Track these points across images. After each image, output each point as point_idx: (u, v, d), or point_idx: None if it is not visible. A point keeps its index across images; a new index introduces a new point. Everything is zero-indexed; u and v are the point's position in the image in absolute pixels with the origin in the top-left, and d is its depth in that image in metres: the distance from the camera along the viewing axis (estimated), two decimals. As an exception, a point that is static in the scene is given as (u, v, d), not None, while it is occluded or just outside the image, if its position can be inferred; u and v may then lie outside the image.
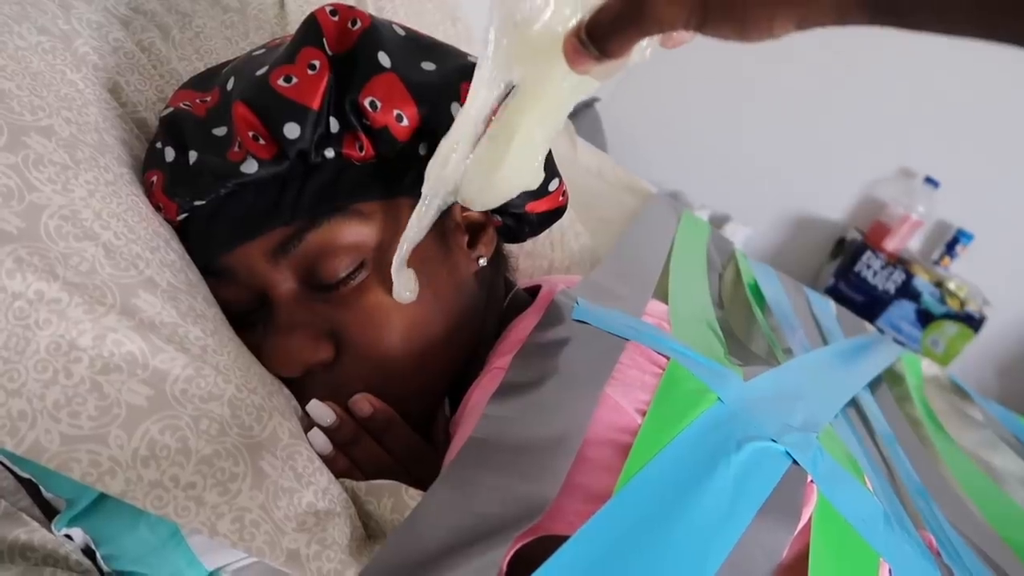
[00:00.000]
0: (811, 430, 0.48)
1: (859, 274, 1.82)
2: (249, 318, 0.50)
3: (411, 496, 0.42)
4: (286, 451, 0.41)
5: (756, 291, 0.97)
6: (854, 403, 0.74)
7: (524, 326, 0.52)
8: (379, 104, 0.47)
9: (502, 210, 0.57)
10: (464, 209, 0.54)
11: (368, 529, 0.43)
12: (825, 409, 0.56)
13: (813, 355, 0.73)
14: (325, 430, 0.46)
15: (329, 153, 0.48)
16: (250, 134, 0.46)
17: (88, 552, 0.41)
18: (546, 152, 0.44)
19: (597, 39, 0.33)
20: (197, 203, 0.49)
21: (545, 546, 0.34)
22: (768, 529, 0.39)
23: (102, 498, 0.40)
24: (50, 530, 0.40)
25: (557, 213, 0.59)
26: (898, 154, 1.85)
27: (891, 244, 1.82)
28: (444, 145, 0.42)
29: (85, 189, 0.42)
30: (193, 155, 0.48)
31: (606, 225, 1.06)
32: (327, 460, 0.45)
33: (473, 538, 0.32)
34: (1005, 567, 0.58)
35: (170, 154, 0.49)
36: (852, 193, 1.93)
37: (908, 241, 1.85)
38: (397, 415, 0.49)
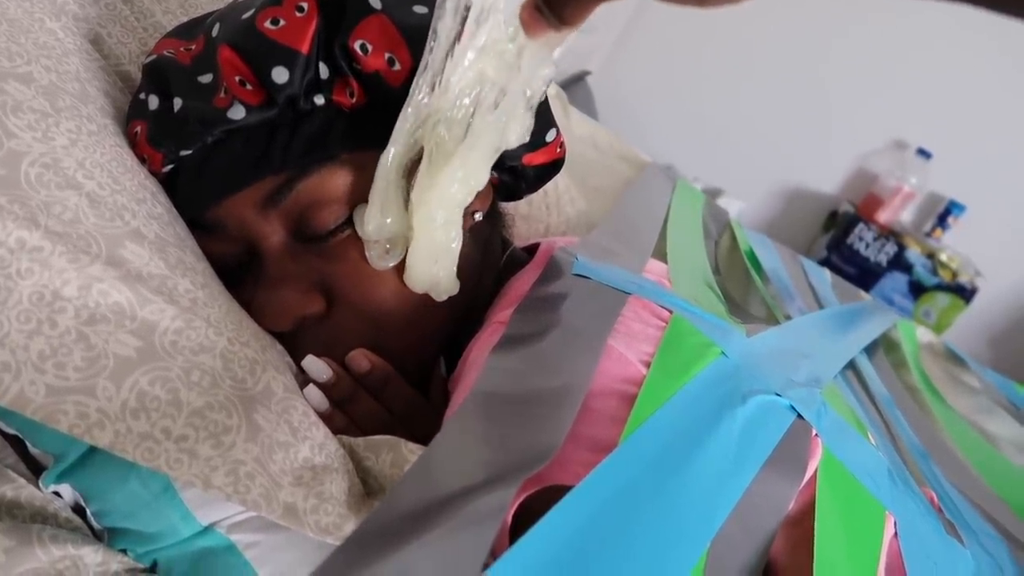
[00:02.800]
0: (815, 385, 0.48)
1: (851, 246, 1.82)
2: (238, 273, 0.49)
3: (410, 450, 0.41)
4: (280, 405, 0.40)
5: (753, 258, 0.97)
6: (852, 367, 0.74)
7: (523, 282, 0.50)
8: (370, 47, 0.45)
9: (499, 165, 0.56)
10: None
11: (367, 486, 0.42)
12: (828, 366, 0.55)
13: (812, 316, 0.72)
14: (321, 387, 0.45)
15: (319, 100, 0.47)
16: (236, 79, 0.45)
17: (77, 510, 0.40)
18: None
19: (555, 6, 0.33)
20: (183, 153, 0.47)
21: (550, 498, 0.33)
22: (773, 482, 0.39)
23: (91, 453, 0.39)
24: (38, 487, 0.39)
25: (555, 166, 0.58)
26: (890, 126, 1.84)
27: (883, 216, 1.82)
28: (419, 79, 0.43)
29: (67, 138, 0.41)
30: (178, 102, 0.46)
31: (600, 194, 1.05)
32: (324, 417, 0.44)
33: (477, 485, 0.31)
34: (1005, 524, 0.58)
35: (154, 102, 0.47)
36: (844, 166, 1.93)
37: (900, 213, 1.85)
38: (395, 371, 0.48)
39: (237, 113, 0.45)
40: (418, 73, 0.43)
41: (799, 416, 0.42)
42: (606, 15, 1.87)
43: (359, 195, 0.47)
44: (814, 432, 0.42)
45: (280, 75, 0.44)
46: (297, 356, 0.47)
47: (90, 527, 0.40)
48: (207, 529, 0.39)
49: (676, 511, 0.34)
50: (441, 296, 0.49)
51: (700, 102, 1.97)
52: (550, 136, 0.54)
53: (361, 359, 0.47)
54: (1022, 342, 1.89)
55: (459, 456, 0.34)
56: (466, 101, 0.43)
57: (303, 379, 0.45)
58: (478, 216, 0.54)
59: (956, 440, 0.75)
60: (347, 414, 0.46)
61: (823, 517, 0.39)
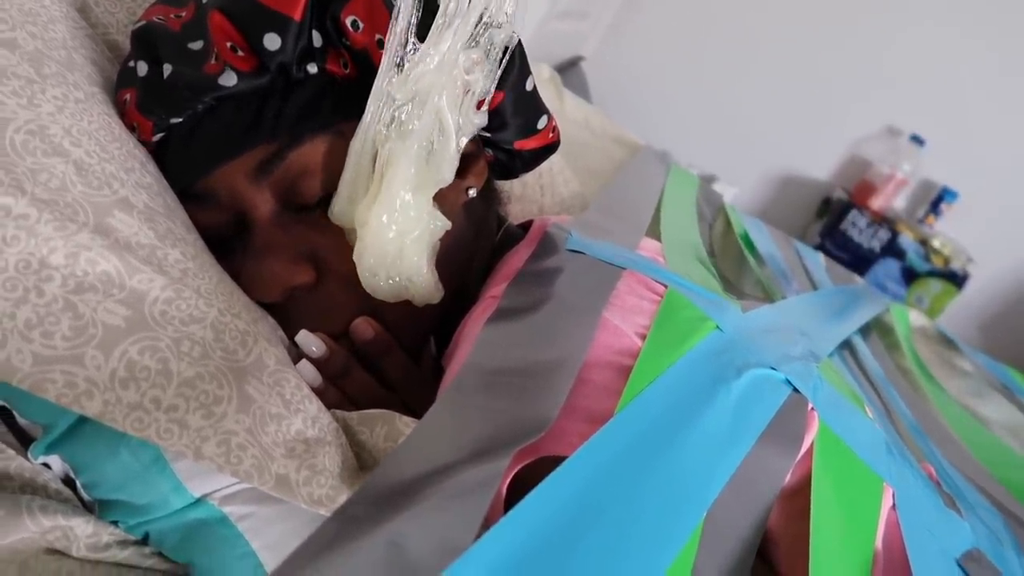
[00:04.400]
0: (811, 360, 0.48)
1: (845, 233, 1.82)
2: (228, 244, 0.48)
3: (405, 424, 0.41)
4: (273, 377, 0.39)
5: (748, 241, 0.97)
6: (848, 346, 0.74)
7: (517, 258, 0.50)
8: (361, 25, 0.45)
9: (493, 144, 0.55)
10: None
11: (360, 461, 0.42)
12: (824, 343, 0.55)
13: (808, 296, 0.72)
14: (315, 362, 0.45)
15: (312, 68, 0.46)
16: (228, 45, 0.44)
17: (67, 482, 0.39)
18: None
19: None
20: (174, 121, 0.46)
21: (545, 469, 0.33)
22: (769, 455, 0.38)
23: (80, 424, 0.38)
24: (27, 459, 0.38)
25: (550, 149, 0.58)
26: (884, 112, 1.84)
27: (877, 203, 1.82)
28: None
29: (53, 105, 0.40)
30: (167, 68, 0.45)
31: (595, 175, 1.04)
32: (317, 392, 0.44)
33: (472, 455, 0.31)
34: (1000, 499, 0.58)
35: (143, 69, 0.46)
36: (838, 152, 1.92)
37: (893, 200, 1.85)
38: (395, 343, 0.48)
39: (228, 80, 0.44)
40: (384, 57, 0.43)
41: (795, 390, 0.42)
42: (600, 1, 1.86)
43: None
44: (810, 406, 0.42)
45: (272, 41, 0.43)
46: (288, 327, 0.46)
47: (80, 499, 0.39)
48: (199, 501, 0.38)
49: (670, 483, 0.34)
50: (420, 303, 0.48)
51: (694, 88, 1.96)
52: (542, 123, 0.54)
53: (365, 326, 0.46)
54: (1013, 328, 1.90)
55: (452, 428, 0.34)
56: (409, 108, 0.44)
57: (296, 353, 0.45)
58: (472, 192, 0.54)
59: (949, 421, 0.75)
60: (341, 389, 0.45)
61: (819, 490, 0.39)
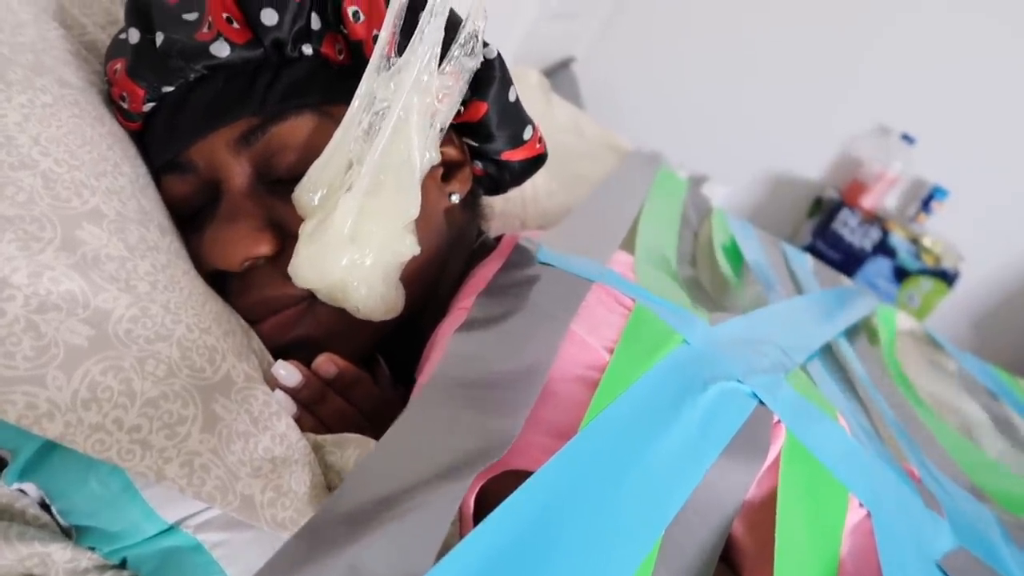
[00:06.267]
0: (779, 371, 0.48)
1: (836, 232, 1.82)
2: (199, 218, 0.48)
3: None
4: (241, 394, 0.39)
5: (732, 250, 0.97)
6: (831, 350, 0.74)
7: (487, 271, 0.50)
8: (362, 17, 0.45)
9: (481, 154, 0.55)
10: (444, 142, 0.52)
11: (328, 480, 0.42)
12: (796, 352, 0.55)
13: (785, 303, 0.72)
14: (290, 390, 0.44)
15: (307, 49, 0.46)
16: (224, 16, 0.44)
17: (45, 506, 0.39)
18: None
19: None
20: (165, 89, 0.46)
21: (511, 481, 0.33)
22: (733, 468, 0.39)
23: (48, 450, 0.38)
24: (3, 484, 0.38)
25: (538, 161, 0.58)
26: (874, 111, 1.84)
27: (868, 202, 1.82)
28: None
29: (20, 113, 0.40)
30: (160, 36, 0.45)
31: (583, 181, 1.04)
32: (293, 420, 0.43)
33: (434, 476, 0.31)
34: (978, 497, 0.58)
35: (135, 36, 0.46)
36: (829, 151, 1.92)
37: (884, 198, 1.85)
38: (363, 372, 0.48)
39: (221, 50, 0.44)
40: (373, 54, 0.43)
41: (761, 403, 0.42)
42: (591, 1, 1.85)
43: (327, 143, 0.46)
44: (776, 418, 0.42)
45: (269, 17, 0.44)
46: (247, 299, 0.46)
47: (58, 524, 0.39)
48: (172, 528, 0.38)
49: (634, 499, 0.34)
50: (366, 318, 0.47)
51: (685, 88, 1.96)
52: (527, 134, 0.54)
53: (328, 364, 0.46)
54: (1004, 326, 1.90)
55: (416, 446, 0.34)
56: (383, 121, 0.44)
57: (268, 371, 0.45)
58: (455, 199, 0.53)
59: (927, 422, 0.75)
60: (316, 416, 0.45)
61: (785, 501, 0.39)
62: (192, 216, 0.48)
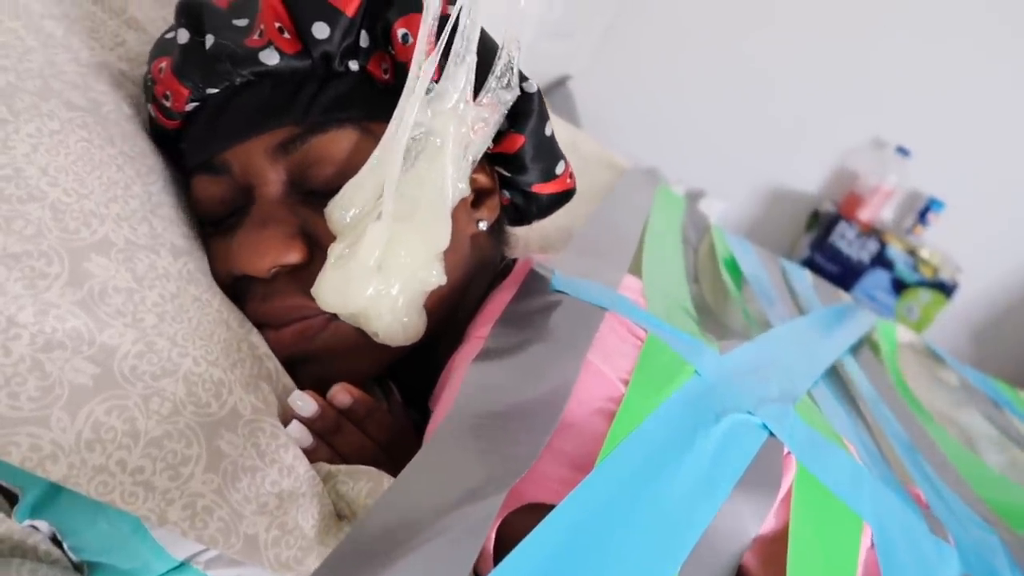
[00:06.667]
0: (788, 401, 0.48)
1: (834, 245, 1.83)
2: (226, 222, 0.48)
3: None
4: (248, 427, 0.39)
5: (732, 266, 0.97)
6: (835, 369, 0.74)
7: (501, 299, 0.50)
8: (411, 40, 0.45)
9: (511, 184, 0.55)
10: (476, 169, 0.52)
11: (339, 509, 0.41)
12: (802, 379, 0.55)
13: (789, 326, 0.72)
14: (305, 420, 0.44)
15: (354, 65, 0.47)
16: (276, 25, 0.45)
17: (57, 541, 0.39)
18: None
19: None
20: (210, 91, 0.46)
21: (528, 519, 0.33)
22: (746, 501, 0.39)
23: (58, 490, 0.37)
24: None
25: (566, 196, 0.58)
26: (869, 124, 1.85)
27: (864, 214, 1.83)
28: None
29: (28, 144, 0.39)
30: (210, 39, 0.45)
31: (581, 199, 1.04)
32: (308, 451, 0.43)
33: (457, 500, 0.31)
34: (985, 517, 0.58)
35: (184, 36, 0.46)
36: (825, 165, 1.94)
37: (881, 211, 1.86)
38: (378, 403, 0.48)
39: (270, 58, 0.45)
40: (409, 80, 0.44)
41: (771, 434, 0.42)
42: (586, 19, 1.86)
43: (365, 160, 0.46)
44: (786, 450, 0.42)
45: (321, 31, 0.44)
46: (268, 307, 0.46)
47: (70, 559, 0.39)
48: (183, 565, 0.37)
49: (650, 534, 0.34)
50: (393, 344, 0.47)
51: (681, 104, 1.97)
52: (559, 169, 0.55)
53: (344, 394, 0.45)
54: (1004, 336, 1.90)
55: (436, 476, 0.33)
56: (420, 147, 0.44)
57: (284, 390, 0.44)
58: (483, 225, 0.53)
59: (935, 436, 0.75)
60: (332, 446, 0.45)
61: (797, 534, 0.39)
62: (220, 220, 0.49)
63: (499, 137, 0.50)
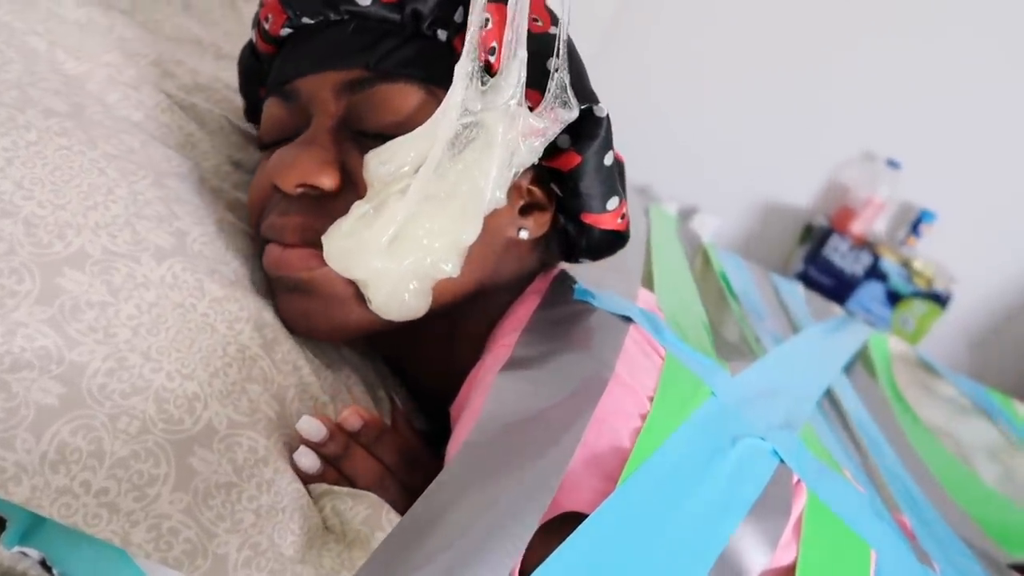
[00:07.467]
0: (793, 427, 0.48)
1: (827, 258, 1.83)
2: (279, 144, 0.49)
3: (389, 520, 0.39)
4: (224, 443, 0.38)
5: (724, 281, 0.97)
6: (828, 391, 0.74)
7: (525, 308, 0.50)
8: (490, 24, 0.45)
9: (564, 209, 0.54)
10: (533, 180, 0.51)
11: (329, 524, 0.40)
12: (803, 405, 0.56)
13: (788, 347, 0.72)
14: (314, 445, 0.43)
15: (441, 35, 0.47)
16: None
17: (47, 566, 0.38)
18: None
19: None
20: (305, 20, 0.49)
21: (553, 531, 0.33)
22: (760, 526, 0.39)
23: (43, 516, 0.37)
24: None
25: (619, 238, 0.57)
26: (859, 138, 1.86)
27: (857, 227, 1.83)
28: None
29: (2, 158, 0.39)
30: None
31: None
32: (316, 475, 0.42)
33: (493, 525, 0.30)
34: (974, 541, 0.57)
35: None
36: (817, 179, 1.94)
37: (873, 223, 1.86)
38: (387, 424, 0.47)
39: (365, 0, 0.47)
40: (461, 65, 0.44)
41: (781, 461, 0.43)
42: (580, 35, 1.87)
43: (422, 123, 0.46)
44: (796, 477, 0.43)
45: None
46: (289, 219, 0.46)
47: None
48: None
49: (673, 554, 0.34)
50: (383, 317, 0.47)
51: (673, 121, 1.98)
52: (611, 204, 0.53)
53: (354, 417, 0.44)
54: (999, 346, 1.90)
55: (466, 492, 0.33)
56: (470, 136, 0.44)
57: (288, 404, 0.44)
58: (524, 234, 0.51)
59: (924, 456, 0.75)
60: (341, 470, 0.44)
61: (807, 560, 0.39)
62: (276, 143, 0.50)
63: (557, 153, 0.49)
